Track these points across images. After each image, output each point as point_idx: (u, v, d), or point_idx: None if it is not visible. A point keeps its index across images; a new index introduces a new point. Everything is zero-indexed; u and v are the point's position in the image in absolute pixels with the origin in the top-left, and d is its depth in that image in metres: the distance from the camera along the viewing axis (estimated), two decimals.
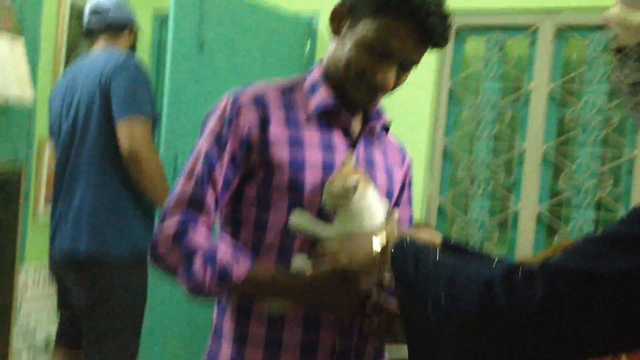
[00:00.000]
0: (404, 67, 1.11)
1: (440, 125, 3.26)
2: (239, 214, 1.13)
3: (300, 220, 1.08)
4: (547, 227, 3.09)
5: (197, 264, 1.04)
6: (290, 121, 1.10)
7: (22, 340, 2.92)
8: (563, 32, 3.06)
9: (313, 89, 1.14)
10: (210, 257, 1.05)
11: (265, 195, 1.10)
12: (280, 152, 1.08)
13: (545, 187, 3.08)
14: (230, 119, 1.09)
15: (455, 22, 3.21)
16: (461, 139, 3.28)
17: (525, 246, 3.06)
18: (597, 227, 2.99)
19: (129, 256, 2.17)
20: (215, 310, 1.18)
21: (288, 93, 1.14)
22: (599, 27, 2.98)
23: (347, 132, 1.15)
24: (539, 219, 3.06)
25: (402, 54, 1.08)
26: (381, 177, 1.18)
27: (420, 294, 0.88)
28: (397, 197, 1.25)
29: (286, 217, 1.09)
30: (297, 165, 1.08)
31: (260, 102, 1.10)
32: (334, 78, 1.14)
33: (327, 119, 1.13)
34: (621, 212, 2.92)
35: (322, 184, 1.08)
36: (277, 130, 1.09)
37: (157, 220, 1.12)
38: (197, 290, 1.06)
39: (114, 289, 2.16)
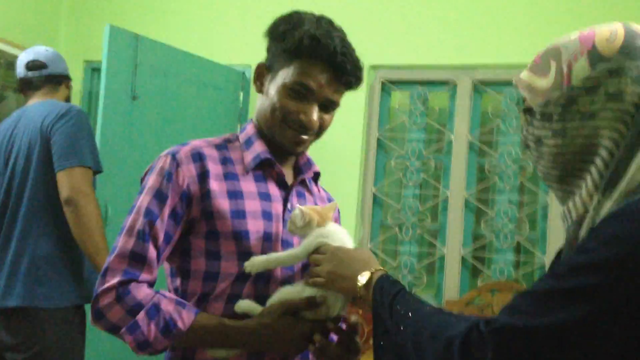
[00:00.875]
0: (325, 107, 1.21)
1: (369, 174, 3.39)
2: (188, 265, 1.16)
3: (256, 260, 1.12)
4: (471, 269, 3.25)
5: (141, 319, 1.06)
6: (228, 175, 1.16)
7: None
8: (480, 87, 3.30)
9: (247, 144, 1.22)
10: (154, 311, 1.06)
11: (213, 246, 1.14)
12: (221, 203, 1.13)
13: (468, 232, 3.24)
14: (170, 174, 1.13)
15: (381, 77, 3.40)
16: (390, 187, 3.42)
17: (452, 288, 3.20)
18: (517, 269, 3.17)
19: (62, 310, 2.11)
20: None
21: (223, 149, 1.21)
22: (512, 84, 3.23)
23: (281, 184, 1.23)
24: (464, 262, 3.22)
25: (319, 92, 1.17)
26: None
27: (393, 338, 0.96)
28: None
29: (236, 265, 1.13)
30: (239, 215, 1.13)
31: (197, 157, 1.15)
32: (264, 131, 1.22)
33: (262, 171, 1.21)
34: (539, 255, 3.11)
35: (265, 231, 1.15)
36: (216, 183, 1.14)
37: (98, 276, 1.12)
38: (143, 345, 1.07)
39: (46, 345, 2.08)
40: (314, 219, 1.13)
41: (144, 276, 1.09)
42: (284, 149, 1.22)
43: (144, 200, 1.12)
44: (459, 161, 3.27)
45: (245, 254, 1.13)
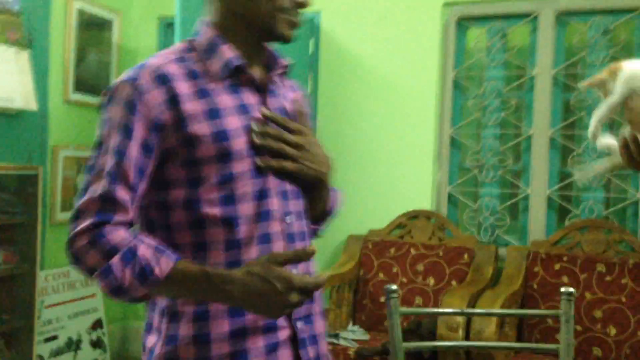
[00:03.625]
0: None
1: (446, 115, 3.30)
2: (166, 195, 1.06)
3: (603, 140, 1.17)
4: (558, 209, 3.13)
5: (114, 263, 0.98)
6: (200, 92, 1.05)
7: (44, 346, 2.96)
8: (563, 18, 3.10)
9: (210, 51, 1.09)
10: (129, 255, 0.99)
11: (194, 172, 1.04)
12: (199, 127, 1.03)
13: (553, 170, 3.11)
14: (133, 105, 1.02)
15: (456, 14, 3.26)
16: (468, 128, 3.32)
17: (538, 229, 3.10)
18: (608, 207, 3.02)
19: None
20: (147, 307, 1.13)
21: (186, 62, 1.08)
22: (599, 11, 3.02)
23: (257, 88, 1.11)
24: (550, 202, 3.10)
25: None
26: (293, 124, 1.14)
27: None
28: None
29: (216, 192, 1.04)
30: (220, 137, 1.03)
31: (161, 80, 1.03)
32: (237, 32, 1.10)
33: (232, 79, 1.09)
34: (630, 191, 2.96)
35: (248, 148, 1.05)
36: (190, 105, 1.03)
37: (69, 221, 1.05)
38: (116, 291, 1.00)
39: None
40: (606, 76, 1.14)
41: (118, 217, 1.01)
42: (277, 39, 1.12)
43: (109, 137, 1.03)
44: (542, 98, 3.12)
45: (228, 176, 1.04)
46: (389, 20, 3.36)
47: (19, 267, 2.67)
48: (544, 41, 3.12)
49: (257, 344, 1.04)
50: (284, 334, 1.06)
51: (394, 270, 3.16)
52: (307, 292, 0.98)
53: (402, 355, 1.32)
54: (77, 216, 1.01)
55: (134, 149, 1.01)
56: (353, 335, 2.92)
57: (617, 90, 1.11)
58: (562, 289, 1.29)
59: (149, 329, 1.11)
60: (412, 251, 3.16)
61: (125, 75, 1.06)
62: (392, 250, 3.19)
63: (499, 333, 2.59)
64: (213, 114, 1.04)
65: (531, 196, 3.13)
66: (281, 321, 1.06)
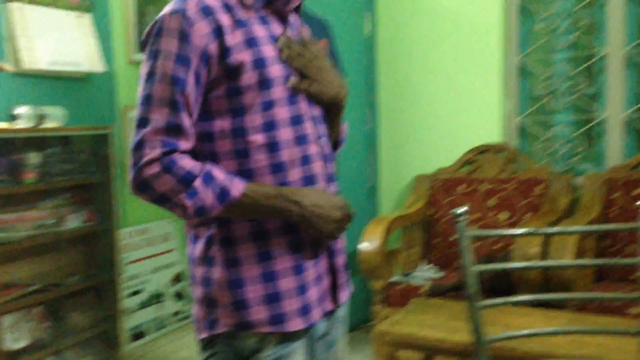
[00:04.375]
0: None
1: (513, 42, 3.14)
2: (210, 126, 1.11)
3: None
4: (637, 132, 2.95)
5: (197, 185, 1.04)
6: (238, 23, 1.09)
7: (130, 299, 3.12)
8: None
9: None
10: (208, 178, 1.05)
11: (236, 101, 1.09)
12: (242, 55, 1.07)
13: (631, 92, 2.93)
14: (186, 34, 1.05)
15: None
16: (536, 53, 3.16)
17: (616, 154, 2.94)
18: None
19: None
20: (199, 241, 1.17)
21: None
22: None
23: (282, 19, 1.17)
24: (627, 126, 2.93)
25: None
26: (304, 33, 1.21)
27: None
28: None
29: (261, 117, 1.10)
30: (260, 64, 1.09)
31: (208, 11, 1.07)
32: None
33: (262, 11, 1.14)
34: None
35: (283, 75, 1.11)
36: (231, 36, 1.08)
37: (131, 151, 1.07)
38: (200, 211, 1.06)
39: None
40: None
41: (184, 145, 1.06)
42: None
43: (165, 66, 1.05)
44: (615, 14, 2.91)
45: (269, 102, 1.10)
46: None
47: (100, 224, 2.80)
48: None
49: (309, 256, 1.14)
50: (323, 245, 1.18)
51: (465, 207, 3.09)
52: (349, 220, 1.14)
53: (475, 278, 1.30)
54: (142, 146, 1.04)
55: (191, 78, 1.05)
56: (426, 274, 2.91)
57: None
58: (638, 202, 1.22)
59: (195, 261, 1.16)
60: (482, 187, 3.08)
61: (171, 7, 1.08)
62: (461, 188, 3.12)
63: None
64: (251, 42, 1.09)
65: (607, 120, 2.96)
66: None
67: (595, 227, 1.21)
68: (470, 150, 3.18)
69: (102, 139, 2.78)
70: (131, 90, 3.35)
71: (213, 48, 1.06)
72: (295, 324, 1.12)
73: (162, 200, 1.06)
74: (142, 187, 1.05)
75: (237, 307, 1.11)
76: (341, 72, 2.61)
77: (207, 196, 1.05)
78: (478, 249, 2.93)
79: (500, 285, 2.55)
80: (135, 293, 3.17)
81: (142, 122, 1.06)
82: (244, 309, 1.11)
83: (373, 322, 2.87)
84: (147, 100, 1.06)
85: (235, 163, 1.10)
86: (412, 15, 3.31)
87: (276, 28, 1.15)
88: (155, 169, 1.03)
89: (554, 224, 2.70)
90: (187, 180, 1.04)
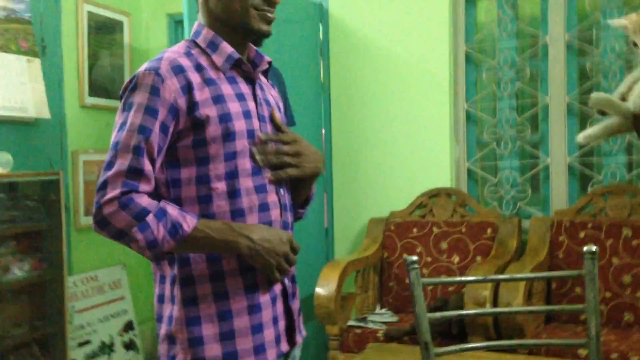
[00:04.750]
0: None
1: (460, 90, 3.26)
2: (178, 174, 1.20)
3: (601, 96, 1.03)
4: (580, 176, 3.08)
5: (150, 220, 1.12)
6: (207, 81, 1.21)
7: (78, 350, 3.00)
8: None
9: (212, 47, 1.25)
10: (161, 214, 1.13)
11: (201, 152, 1.19)
12: (208, 110, 1.18)
13: (573, 138, 3.06)
14: (157, 89, 1.17)
15: None
16: (483, 101, 3.28)
17: (560, 198, 3.05)
18: (631, 171, 2.97)
19: None
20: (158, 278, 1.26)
21: (192, 57, 1.23)
22: None
23: (249, 80, 1.28)
24: (571, 170, 3.06)
25: None
26: (275, 112, 1.31)
27: None
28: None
29: (224, 167, 1.19)
30: (225, 118, 1.19)
31: (178, 70, 1.19)
32: (226, 32, 1.26)
33: (231, 72, 1.26)
34: None
35: (247, 129, 1.22)
36: (199, 93, 1.19)
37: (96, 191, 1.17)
38: (152, 244, 1.13)
39: None
40: None
41: (144, 187, 1.15)
42: (255, 34, 1.26)
43: (135, 117, 1.16)
44: (556, 64, 3.06)
45: (232, 154, 1.19)
46: None
47: (47, 273, 2.72)
48: (555, 6, 3.06)
49: (265, 298, 1.22)
50: (278, 288, 1.26)
51: (418, 250, 3.14)
52: (295, 253, 1.23)
53: (428, 326, 1.32)
54: (105, 186, 1.14)
55: (157, 127, 1.16)
56: (381, 318, 2.91)
57: None
58: (585, 248, 1.27)
59: (161, 300, 1.25)
60: (435, 230, 3.14)
61: (146, 65, 1.21)
62: (415, 230, 3.17)
63: (527, 305, 2.56)
64: (218, 99, 1.20)
65: (551, 165, 3.08)
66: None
67: (541, 274, 1.26)
68: (422, 194, 3.25)
69: (50, 184, 2.72)
70: (83, 134, 3.31)
71: (182, 102, 1.17)
72: None
73: (120, 235, 1.14)
74: (102, 223, 1.14)
75: (193, 344, 1.18)
76: (290, 120, 2.65)
77: (159, 230, 1.12)
78: (432, 290, 2.96)
79: (454, 327, 2.59)
80: (84, 344, 3.06)
81: (108, 166, 1.16)
82: (199, 345, 1.18)
83: None
84: (115, 146, 1.16)
85: (198, 208, 1.19)
86: (364, 62, 3.41)
87: (244, 87, 1.26)
88: (113, 207, 1.12)
89: (504, 266, 2.76)
90: (141, 215, 1.12)
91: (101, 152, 3.33)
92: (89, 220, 3.21)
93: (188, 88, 1.17)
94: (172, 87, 1.17)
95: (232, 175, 1.20)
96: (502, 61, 3.19)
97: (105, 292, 3.24)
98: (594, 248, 1.29)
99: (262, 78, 1.35)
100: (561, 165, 3.06)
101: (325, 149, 3.51)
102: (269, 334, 1.21)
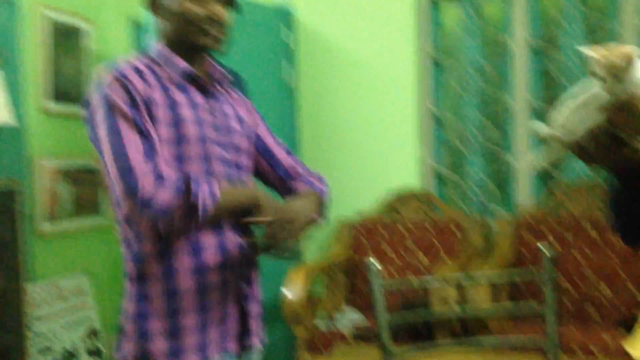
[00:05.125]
0: (225, 2, 1.33)
1: (426, 92, 3.28)
2: None
3: (544, 129, 0.99)
4: (544, 176, 3.12)
5: (194, 187, 1.17)
6: (162, 87, 1.25)
7: (39, 358, 2.94)
8: None
9: (166, 62, 1.30)
10: (196, 183, 1.18)
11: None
12: (163, 112, 1.23)
13: (537, 140, 3.10)
14: (127, 87, 1.21)
15: None
16: (449, 104, 3.31)
17: (525, 198, 3.09)
18: (593, 172, 3.02)
19: None
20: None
21: (147, 65, 1.29)
22: None
23: (204, 92, 1.31)
24: (535, 172, 3.10)
25: None
26: (235, 125, 1.34)
27: None
28: (258, 138, 1.44)
29: (176, 171, 1.22)
30: (178, 123, 1.23)
31: (138, 71, 1.24)
32: (179, 48, 1.30)
33: (186, 83, 1.29)
34: None
35: (199, 136, 1.25)
36: (157, 94, 1.24)
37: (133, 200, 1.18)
38: (204, 209, 1.17)
39: None
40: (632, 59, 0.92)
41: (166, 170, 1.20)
42: (205, 50, 1.31)
43: (123, 124, 1.19)
44: (521, 68, 3.10)
45: (182, 158, 1.23)
46: (362, 3, 3.34)
47: (7, 282, 2.65)
48: (518, 10, 3.10)
49: (215, 298, 1.23)
50: (233, 289, 1.26)
51: (387, 251, 3.14)
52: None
53: (388, 328, 1.31)
54: (138, 181, 1.16)
55: (148, 123, 1.21)
56: (349, 318, 2.91)
57: (629, 88, 0.93)
58: (542, 248, 1.28)
59: (124, 297, 1.29)
60: (402, 230, 3.15)
61: (108, 69, 1.25)
62: (383, 231, 3.18)
63: (492, 301, 2.59)
64: (173, 104, 1.25)
65: (516, 167, 3.12)
66: (231, 281, 1.25)
67: (501, 274, 1.28)
68: (390, 195, 3.26)
69: (9, 192, 2.66)
70: (44, 141, 3.24)
71: (145, 96, 1.22)
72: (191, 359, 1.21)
73: (165, 213, 1.15)
74: (160, 212, 1.15)
75: (140, 337, 1.23)
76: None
77: (204, 193, 1.18)
78: (401, 289, 2.97)
79: (421, 324, 2.60)
80: (44, 351, 2.99)
81: (129, 170, 1.18)
82: (146, 339, 1.22)
83: None
84: (123, 154, 1.19)
85: None
86: (331, 65, 3.41)
87: (197, 97, 1.30)
88: (165, 195, 1.16)
89: (470, 265, 2.78)
90: (180, 188, 1.17)
91: (65, 158, 3.26)
92: (50, 228, 3.14)
93: (147, 86, 1.22)
94: (137, 85, 1.22)
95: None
96: (467, 64, 3.22)
97: (67, 300, 3.17)
98: (549, 250, 1.31)
99: (228, 91, 1.40)
100: (525, 166, 3.10)
101: (293, 152, 3.49)
102: (213, 332, 1.24)
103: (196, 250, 1.22)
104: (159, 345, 1.21)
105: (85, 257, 3.33)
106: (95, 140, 1.23)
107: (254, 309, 1.31)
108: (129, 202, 1.16)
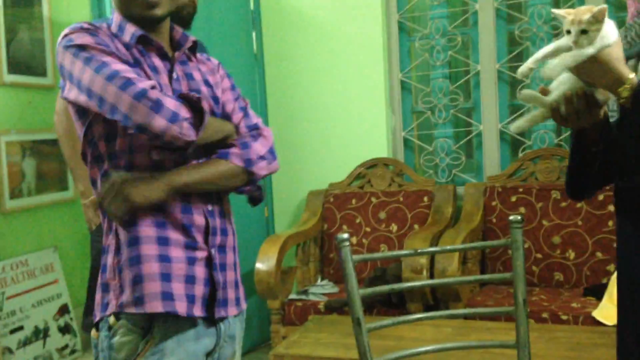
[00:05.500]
0: None
1: (394, 60, 3.26)
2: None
3: (527, 93, 1.19)
4: (511, 142, 3.15)
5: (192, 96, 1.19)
6: (118, 48, 1.23)
7: (10, 337, 2.90)
8: None
9: (121, 29, 1.28)
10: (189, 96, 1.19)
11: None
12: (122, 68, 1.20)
13: (504, 104, 3.12)
14: (95, 34, 1.22)
15: None
16: (417, 70, 3.30)
17: (493, 164, 3.12)
18: (559, 135, 3.06)
19: None
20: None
21: (105, 32, 1.27)
22: None
23: (163, 56, 1.28)
24: (502, 136, 3.12)
25: None
26: (203, 88, 1.30)
27: None
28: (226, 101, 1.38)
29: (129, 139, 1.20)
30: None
31: (94, 29, 1.24)
32: (129, 16, 1.28)
33: (142, 47, 1.27)
34: None
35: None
36: (120, 51, 1.23)
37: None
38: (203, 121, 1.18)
39: None
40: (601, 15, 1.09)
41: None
42: (145, 20, 1.27)
43: (103, 57, 1.18)
44: (486, 32, 3.10)
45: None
46: None
47: None
48: None
49: (178, 252, 1.21)
50: (200, 254, 1.23)
51: (357, 221, 3.16)
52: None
53: (359, 302, 1.32)
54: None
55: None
56: (322, 289, 2.93)
57: (597, 43, 1.08)
58: (511, 217, 1.30)
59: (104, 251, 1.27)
60: (373, 200, 3.16)
61: (67, 31, 1.23)
62: (353, 201, 3.19)
63: (462, 270, 2.63)
64: (129, 63, 1.21)
65: (484, 132, 3.14)
66: (199, 243, 1.23)
67: (471, 245, 1.30)
68: (360, 165, 3.26)
69: None
70: (3, 113, 3.14)
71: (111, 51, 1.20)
72: (155, 307, 1.17)
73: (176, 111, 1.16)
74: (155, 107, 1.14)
75: (121, 289, 1.20)
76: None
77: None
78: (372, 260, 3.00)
79: (393, 296, 2.63)
80: (16, 330, 2.95)
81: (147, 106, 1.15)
82: (121, 292, 1.20)
83: (271, 341, 2.85)
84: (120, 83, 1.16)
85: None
86: (298, 33, 3.35)
87: (157, 62, 1.27)
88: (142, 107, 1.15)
89: (440, 232, 2.82)
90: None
91: (24, 132, 3.16)
92: (15, 204, 3.07)
93: (112, 41, 1.22)
94: (105, 36, 1.23)
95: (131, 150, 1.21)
96: (434, 30, 3.20)
97: (36, 277, 3.12)
98: (519, 217, 1.32)
99: (194, 56, 1.36)
100: (493, 132, 3.12)
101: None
102: (178, 286, 1.20)
103: (158, 208, 1.20)
104: (126, 296, 1.18)
105: (53, 232, 3.27)
106: (79, 86, 1.18)
107: (230, 276, 1.28)
108: (141, 110, 1.12)
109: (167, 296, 1.18)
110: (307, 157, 3.40)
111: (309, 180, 3.36)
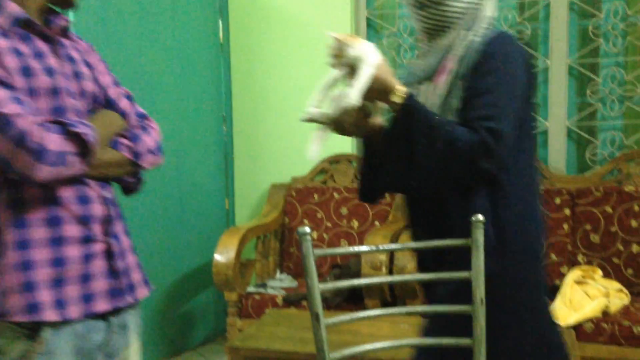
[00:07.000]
0: None
1: None
2: None
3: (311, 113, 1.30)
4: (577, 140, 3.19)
5: (71, 126, 1.14)
6: (3, 35, 1.16)
7: None
8: None
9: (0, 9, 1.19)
10: (68, 121, 1.16)
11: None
12: (10, 60, 1.14)
13: (572, 101, 3.14)
14: None
15: None
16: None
17: (558, 162, 3.04)
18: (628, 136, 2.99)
19: None
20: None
21: None
22: None
23: (46, 38, 1.23)
24: (569, 134, 3.15)
25: None
26: (84, 69, 1.27)
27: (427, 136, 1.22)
28: (107, 85, 1.34)
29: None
30: (27, 72, 1.16)
31: None
32: None
33: (24, 31, 1.20)
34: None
35: (53, 87, 1.18)
36: (1, 42, 1.15)
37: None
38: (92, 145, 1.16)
39: None
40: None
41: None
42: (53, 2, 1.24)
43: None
44: (559, 25, 3.00)
45: (35, 109, 1.14)
46: None
47: None
48: None
49: (74, 252, 1.17)
50: (99, 247, 1.21)
51: (319, 215, 3.16)
52: None
53: (319, 297, 1.32)
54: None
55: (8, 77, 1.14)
56: (281, 283, 2.92)
57: (366, 70, 1.22)
58: (473, 218, 1.31)
59: None
60: (336, 195, 3.16)
61: None
62: (316, 196, 3.18)
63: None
64: (16, 52, 1.16)
65: (550, 128, 3.16)
66: (97, 236, 1.21)
67: (433, 242, 1.31)
68: (323, 160, 3.25)
69: None
70: None
71: None
72: (48, 315, 1.13)
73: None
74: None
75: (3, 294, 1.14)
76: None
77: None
78: (332, 255, 3.00)
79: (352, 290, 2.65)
80: None
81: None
82: (3, 297, 1.14)
83: (227, 334, 2.83)
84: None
85: None
86: (264, 24, 3.32)
87: (41, 46, 1.21)
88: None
89: (400, 231, 2.84)
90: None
91: None
92: None
93: None
94: None
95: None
96: (402, 28, 3.21)
97: None
98: (480, 217, 1.33)
99: (72, 37, 1.31)
100: (560, 129, 3.13)
101: (225, 113, 3.41)
102: (71, 289, 1.16)
103: (52, 201, 1.16)
104: (15, 302, 1.13)
105: None
106: None
107: (131, 260, 1.27)
108: (20, 157, 1.07)
109: (61, 303, 1.15)
110: (270, 150, 3.38)
111: (271, 173, 3.35)
